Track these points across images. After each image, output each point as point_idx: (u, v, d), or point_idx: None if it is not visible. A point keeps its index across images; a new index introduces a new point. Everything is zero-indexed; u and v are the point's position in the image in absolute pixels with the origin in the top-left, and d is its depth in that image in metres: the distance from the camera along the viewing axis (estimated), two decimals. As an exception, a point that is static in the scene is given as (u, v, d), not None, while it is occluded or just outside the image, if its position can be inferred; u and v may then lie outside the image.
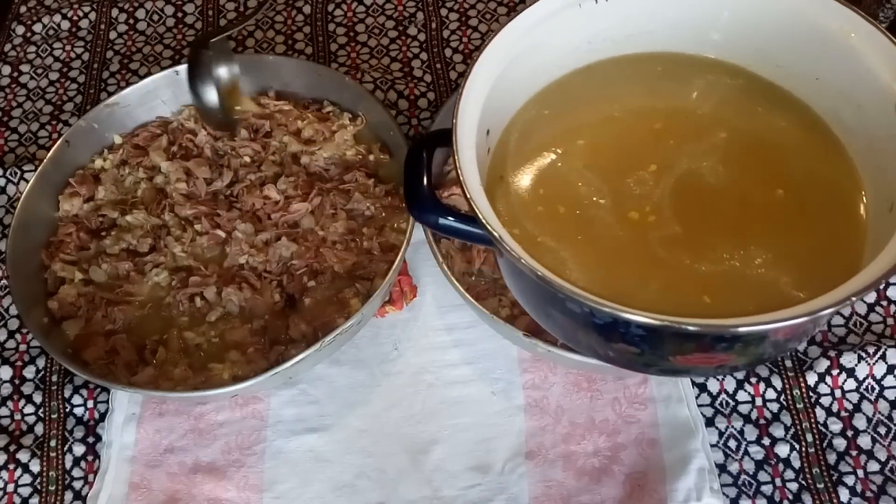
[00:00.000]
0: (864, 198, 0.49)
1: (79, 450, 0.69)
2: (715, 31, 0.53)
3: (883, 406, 0.67)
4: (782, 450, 0.66)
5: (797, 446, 0.66)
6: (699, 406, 0.67)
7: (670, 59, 0.55)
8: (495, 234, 0.43)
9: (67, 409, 0.71)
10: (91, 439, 0.69)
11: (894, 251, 0.42)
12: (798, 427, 0.67)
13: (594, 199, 0.49)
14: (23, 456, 0.69)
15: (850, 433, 0.66)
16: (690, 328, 0.41)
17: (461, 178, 0.44)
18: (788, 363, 0.69)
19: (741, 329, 0.41)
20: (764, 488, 0.65)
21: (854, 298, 0.40)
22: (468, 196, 0.44)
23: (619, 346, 0.47)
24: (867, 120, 0.48)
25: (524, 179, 0.51)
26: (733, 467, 0.65)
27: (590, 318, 0.45)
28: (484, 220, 0.43)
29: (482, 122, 0.49)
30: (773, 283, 0.46)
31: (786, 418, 0.67)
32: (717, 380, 0.68)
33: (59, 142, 0.74)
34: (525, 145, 0.52)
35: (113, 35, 0.95)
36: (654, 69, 0.55)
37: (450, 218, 0.47)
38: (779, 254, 0.48)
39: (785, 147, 0.52)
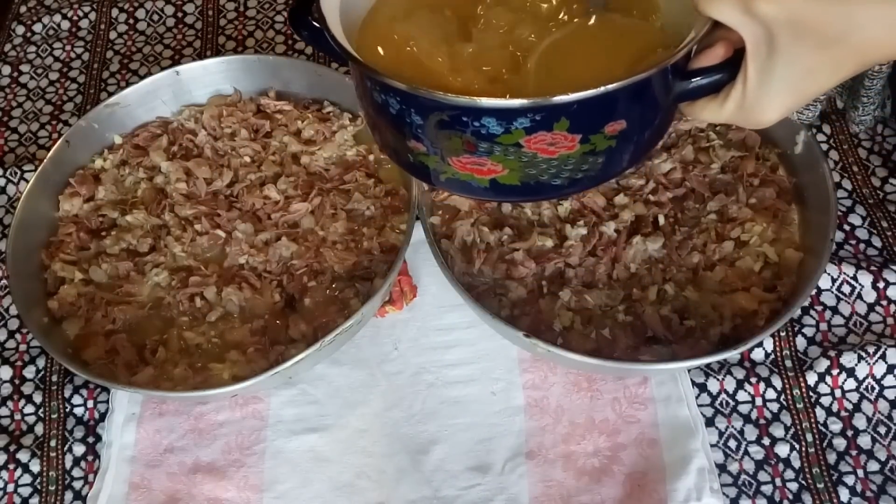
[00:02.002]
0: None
1: (79, 450, 0.69)
2: None
3: (883, 406, 0.67)
4: (782, 450, 0.66)
5: (797, 446, 0.66)
6: (699, 406, 0.67)
7: None
8: (326, 23, 0.49)
9: (67, 409, 0.71)
10: (91, 439, 0.69)
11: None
12: (798, 427, 0.67)
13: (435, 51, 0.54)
14: (23, 456, 0.68)
15: (850, 433, 0.66)
16: (423, 95, 0.46)
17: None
18: (788, 363, 0.69)
19: (451, 100, 0.45)
20: (764, 488, 0.65)
21: (603, 89, 0.43)
22: (322, 12, 0.50)
23: (412, 145, 0.51)
24: None
25: (391, 22, 0.56)
26: (733, 467, 0.65)
27: (387, 110, 0.50)
28: (321, 14, 0.50)
29: None
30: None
31: (786, 418, 0.67)
32: (717, 380, 0.68)
33: (59, 142, 0.74)
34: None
35: (113, 35, 0.95)
36: None
37: (314, 31, 0.52)
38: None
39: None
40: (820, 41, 0.42)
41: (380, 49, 0.53)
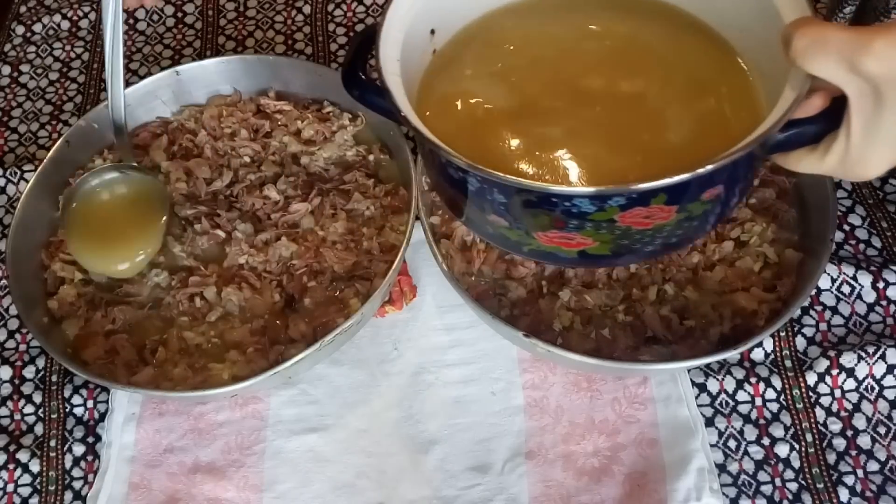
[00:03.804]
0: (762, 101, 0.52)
1: (79, 450, 0.69)
2: None
3: (882, 406, 0.67)
4: (782, 450, 0.66)
5: (797, 446, 0.66)
6: (699, 406, 0.67)
7: None
8: (391, 94, 0.48)
9: (67, 409, 0.71)
10: (91, 439, 0.69)
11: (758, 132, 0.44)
12: (798, 427, 0.67)
13: (508, 112, 0.53)
14: (23, 456, 0.69)
15: (849, 433, 0.66)
16: (512, 183, 0.44)
17: (377, 54, 0.50)
18: (788, 363, 0.69)
19: (553, 189, 0.45)
20: (763, 488, 0.65)
21: (700, 171, 0.42)
22: (378, 67, 0.49)
23: (492, 219, 0.50)
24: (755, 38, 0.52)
25: (455, 80, 0.55)
26: (733, 467, 0.65)
27: (465, 185, 0.49)
28: (385, 86, 0.49)
29: (423, 20, 0.54)
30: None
31: (785, 418, 0.67)
32: (717, 380, 0.68)
33: (59, 142, 0.74)
34: (466, 54, 0.57)
35: (113, 35, 0.94)
36: (597, 3, 0.58)
37: (376, 94, 0.52)
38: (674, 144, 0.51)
39: (693, 65, 0.56)
40: None
41: (444, 114, 0.52)
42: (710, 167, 0.42)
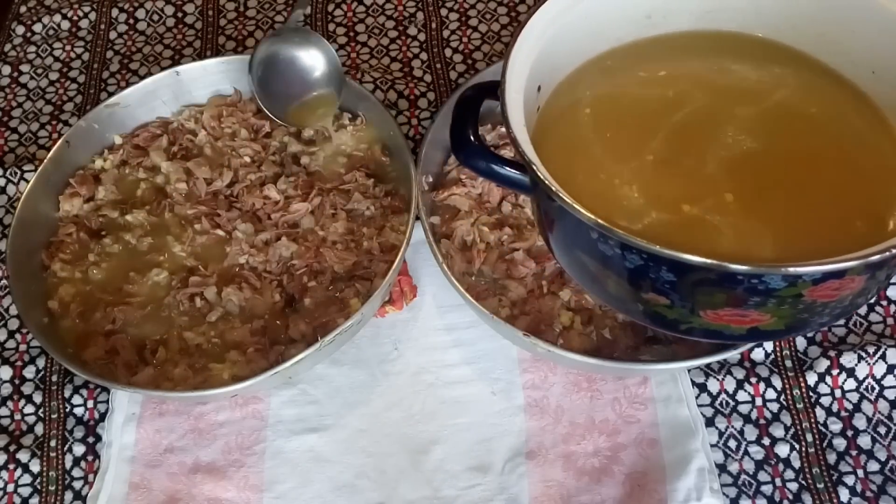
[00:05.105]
0: None
1: (79, 450, 0.69)
2: (772, 11, 0.54)
3: (883, 406, 0.67)
4: (782, 450, 0.66)
5: (797, 446, 0.66)
6: (699, 406, 0.67)
7: (728, 39, 0.56)
8: (535, 167, 0.44)
9: (67, 409, 0.71)
10: (91, 439, 0.69)
11: None
12: (798, 427, 0.67)
13: (636, 167, 0.50)
14: (23, 456, 0.68)
15: (850, 433, 0.66)
16: (711, 264, 0.41)
17: (507, 123, 0.45)
18: (788, 363, 0.69)
19: (763, 269, 0.40)
20: (764, 488, 0.65)
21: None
22: (513, 137, 0.45)
23: (649, 297, 0.47)
24: None
25: (570, 137, 0.52)
26: (733, 467, 0.65)
27: (621, 262, 0.45)
28: (527, 159, 0.45)
29: (533, 77, 0.50)
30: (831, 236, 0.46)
31: (786, 418, 0.67)
32: (717, 380, 0.68)
33: (59, 142, 0.74)
34: (574, 106, 0.53)
35: (113, 35, 0.95)
36: (712, 47, 0.56)
37: (492, 161, 0.49)
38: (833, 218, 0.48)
39: (840, 129, 0.53)
40: None
41: (569, 183, 0.48)
42: None
